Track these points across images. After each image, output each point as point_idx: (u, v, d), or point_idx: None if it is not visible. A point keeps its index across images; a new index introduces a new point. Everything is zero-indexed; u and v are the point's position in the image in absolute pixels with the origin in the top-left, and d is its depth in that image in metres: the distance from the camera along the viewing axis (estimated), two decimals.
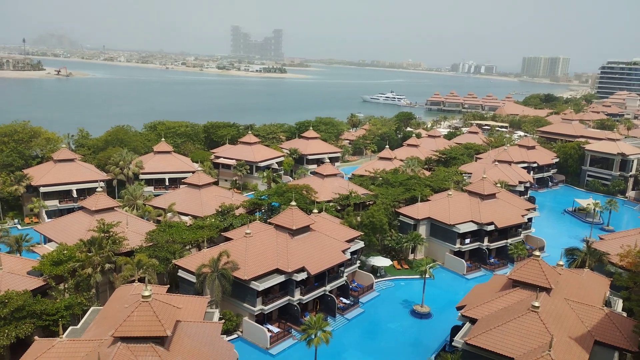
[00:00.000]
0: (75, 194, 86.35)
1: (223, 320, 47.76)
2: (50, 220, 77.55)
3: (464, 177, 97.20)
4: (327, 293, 57.51)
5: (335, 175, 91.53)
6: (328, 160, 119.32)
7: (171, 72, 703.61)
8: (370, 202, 78.53)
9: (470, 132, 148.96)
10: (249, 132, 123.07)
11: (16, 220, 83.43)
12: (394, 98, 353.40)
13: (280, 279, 53.04)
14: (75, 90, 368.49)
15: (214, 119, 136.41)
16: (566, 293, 46.49)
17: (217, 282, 49.64)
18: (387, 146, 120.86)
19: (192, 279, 52.28)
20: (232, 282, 50.32)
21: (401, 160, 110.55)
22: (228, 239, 60.52)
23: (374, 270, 68.75)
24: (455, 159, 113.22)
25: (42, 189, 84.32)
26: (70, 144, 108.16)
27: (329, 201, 77.86)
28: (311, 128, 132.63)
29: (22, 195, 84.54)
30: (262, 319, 52.93)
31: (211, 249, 55.71)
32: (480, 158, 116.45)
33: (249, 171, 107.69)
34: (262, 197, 77.09)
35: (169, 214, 72.47)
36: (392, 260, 71.61)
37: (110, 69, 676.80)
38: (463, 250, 73.05)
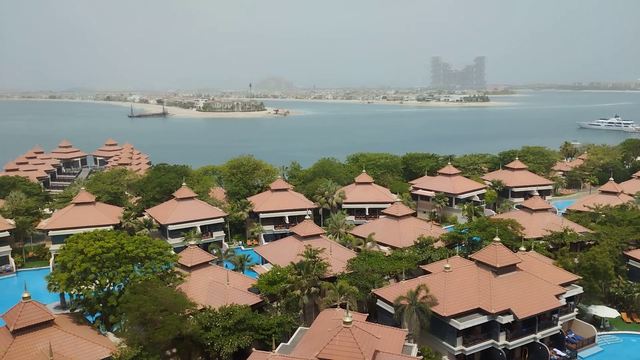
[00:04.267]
0: (287, 220, 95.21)
1: (422, 357, 46.54)
2: (267, 243, 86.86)
3: None
4: (538, 341, 51.74)
5: (546, 210, 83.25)
6: (537, 193, 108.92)
7: (372, 106, 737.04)
8: (591, 242, 69.09)
9: None
10: (449, 163, 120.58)
11: (240, 242, 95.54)
12: (620, 123, 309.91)
13: (482, 319, 49.69)
14: (289, 126, 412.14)
15: (413, 151, 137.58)
16: None
17: (415, 315, 48.83)
18: (611, 178, 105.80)
19: (390, 309, 52.42)
20: (430, 317, 48.96)
21: (630, 195, 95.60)
22: (426, 272, 59.41)
23: (596, 322, 59.67)
24: None
25: (261, 215, 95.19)
26: (285, 175, 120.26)
27: (538, 238, 70.97)
28: (517, 158, 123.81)
29: (246, 220, 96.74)
30: None
31: (409, 281, 55.31)
32: None
33: (448, 203, 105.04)
34: (462, 231, 74.15)
35: (368, 243, 74.58)
36: (619, 312, 61.32)
37: (318, 106, 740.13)
38: None
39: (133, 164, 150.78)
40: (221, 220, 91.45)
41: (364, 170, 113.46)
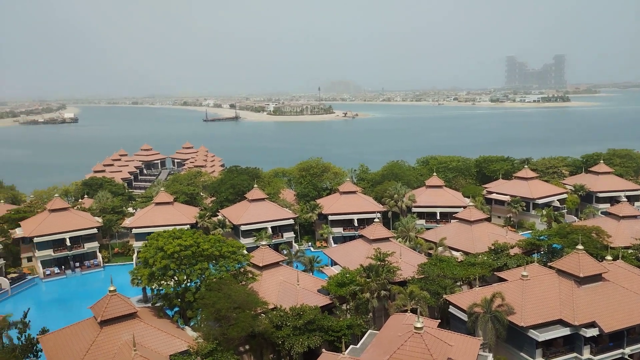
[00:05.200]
0: (356, 223, 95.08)
1: None
2: (335, 245, 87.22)
3: None
4: (627, 357, 48.14)
5: (635, 217, 77.40)
6: (625, 199, 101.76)
7: (443, 107, 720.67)
8: None
9: None
10: (525, 166, 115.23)
11: (309, 244, 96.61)
12: None
13: (564, 331, 46.96)
14: (357, 129, 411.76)
15: (486, 153, 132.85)
16: None
17: (490, 324, 47.00)
18: None
19: (463, 317, 50.84)
20: (506, 326, 46.89)
21: None
22: (502, 280, 57.04)
23: None
24: None
25: (330, 217, 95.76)
26: (353, 177, 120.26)
27: (627, 247, 65.99)
28: (602, 161, 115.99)
29: (315, 222, 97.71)
30: None
31: (483, 288, 53.37)
32: None
33: (525, 208, 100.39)
34: (541, 238, 70.54)
35: (439, 248, 72.86)
36: None
37: (387, 108, 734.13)
38: None
39: (208, 166, 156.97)
40: (291, 221, 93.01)
41: (434, 173, 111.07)
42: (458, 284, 59.83)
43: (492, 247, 66.46)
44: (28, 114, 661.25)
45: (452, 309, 53.43)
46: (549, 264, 58.07)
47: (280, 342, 47.20)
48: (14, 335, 46.37)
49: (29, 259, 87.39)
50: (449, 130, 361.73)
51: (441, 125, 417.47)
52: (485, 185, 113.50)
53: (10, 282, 77.72)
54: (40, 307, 69.63)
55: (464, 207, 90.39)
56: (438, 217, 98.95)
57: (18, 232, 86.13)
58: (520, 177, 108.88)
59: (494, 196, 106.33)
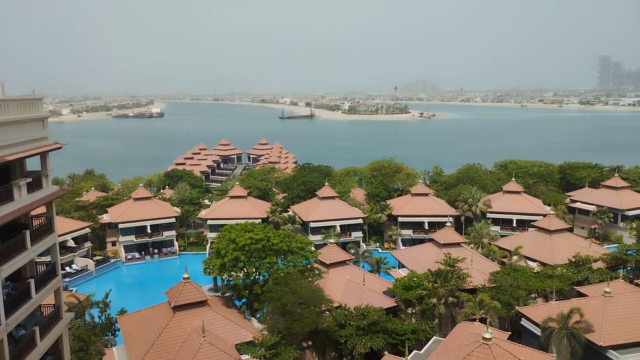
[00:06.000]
0: (426, 226, 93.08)
1: None
2: (404, 247, 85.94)
3: None
4: None
5: None
6: None
7: (526, 109, 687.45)
8: None
9: None
10: (616, 174, 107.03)
11: (377, 244, 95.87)
12: None
13: None
14: (433, 130, 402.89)
15: (572, 159, 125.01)
16: None
17: (566, 341, 44.17)
18: None
19: (537, 331, 48.19)
20: (583, 344, 43.88)
21: None
22: (581, 295, 53.34)
23: None
24: None
25: (400, 219, 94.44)
26: (426, 179, 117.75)
27: None
28: None
29: (384, 222, 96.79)
30: None
31: (560, 302, 50.26)
32: None
33: (612, 220, 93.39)
34: (629, 252, 65.13)
35: (514, 257, 69.55)
36: None
37: (466, 109, 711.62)
38: None
39: (281, 163, 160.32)
40: (360, 221, 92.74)
41: (513, 179, 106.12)
42: (532, 296, 56.83)
43: (573, 260, 62.37)
44: (120, 108, 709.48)
45: (524, 322, 50.83)
46: (635, 281, 53.72)
47: (343, 341, 47.22)
48: (96, 314, 49.91)
49: (113, 244, 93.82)
50: (532, 134, 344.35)
51: (523, 128, 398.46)
52: (569, 193, 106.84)
53: (95, 264, 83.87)
54: (120, 289, 74.38)
55: (544, 215, 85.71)
56: (514, 225, 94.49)
57: (105, 218, 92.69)
58: (609, 186, 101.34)
59: (578, 205, 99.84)
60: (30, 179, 28.14)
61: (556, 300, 50.78)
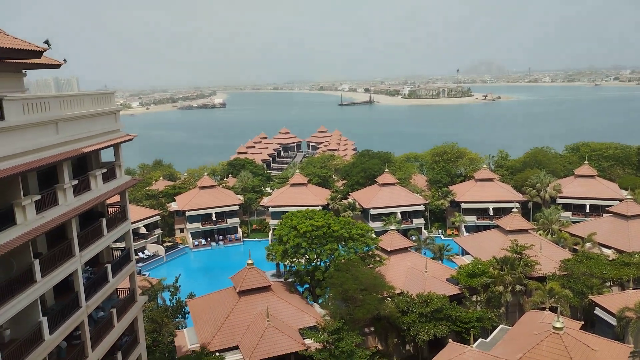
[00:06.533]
0: (491, 212, 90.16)
1: None
2: (468, 234, 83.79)
3: None
4: None
5: None
6: None
7: (600, 88, 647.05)
8: None
9: None
10: None
11: (440, 231, 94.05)
12: None
13: None
14: (499, 113, 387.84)
15: None
16: None
17: None
18: None
19: (612, 320, 45.73)
20: None
21: None
22: None
23: None
24: None
25: (463, 205, 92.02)
26: (490, 164, 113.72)
27: None
28: None
29: (446, 209, 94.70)
30: None
31: (638, 291, 47.38)
32: None
33: None
34: None
35: (587, 244, 65.96)
36: None
37: (534, 90, 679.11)
38: None
39: (340, 150, 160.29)
40: (421, 207, 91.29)
41: (586, 162, 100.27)
42: (607, 284, 53.89)
43: None
44: (185, 100, 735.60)
45: (598, 311, 48.39)
46: None
47: (405, 328, 46.99)
48: (167, 297, 52.44)
49: (181, 230, 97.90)
50: (608, 114, 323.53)
51: (597, 109, 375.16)
52: None
53: (165, 250, 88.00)
54: (188, 274, 77.56)
55: (620, 200, 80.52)
56: (587, 210, 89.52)
57: (173, 206, 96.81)
58: None
59: None
60: (105, 170, 29.82)
61: (633, 289, 47.99)
